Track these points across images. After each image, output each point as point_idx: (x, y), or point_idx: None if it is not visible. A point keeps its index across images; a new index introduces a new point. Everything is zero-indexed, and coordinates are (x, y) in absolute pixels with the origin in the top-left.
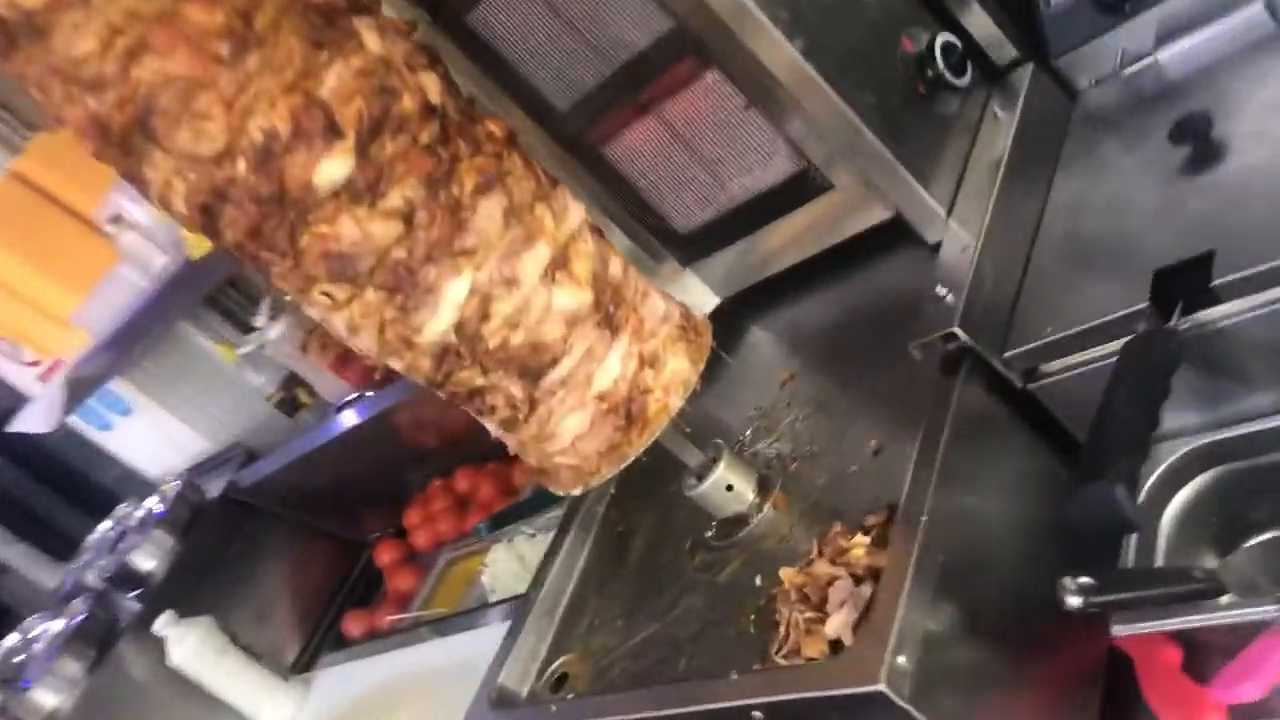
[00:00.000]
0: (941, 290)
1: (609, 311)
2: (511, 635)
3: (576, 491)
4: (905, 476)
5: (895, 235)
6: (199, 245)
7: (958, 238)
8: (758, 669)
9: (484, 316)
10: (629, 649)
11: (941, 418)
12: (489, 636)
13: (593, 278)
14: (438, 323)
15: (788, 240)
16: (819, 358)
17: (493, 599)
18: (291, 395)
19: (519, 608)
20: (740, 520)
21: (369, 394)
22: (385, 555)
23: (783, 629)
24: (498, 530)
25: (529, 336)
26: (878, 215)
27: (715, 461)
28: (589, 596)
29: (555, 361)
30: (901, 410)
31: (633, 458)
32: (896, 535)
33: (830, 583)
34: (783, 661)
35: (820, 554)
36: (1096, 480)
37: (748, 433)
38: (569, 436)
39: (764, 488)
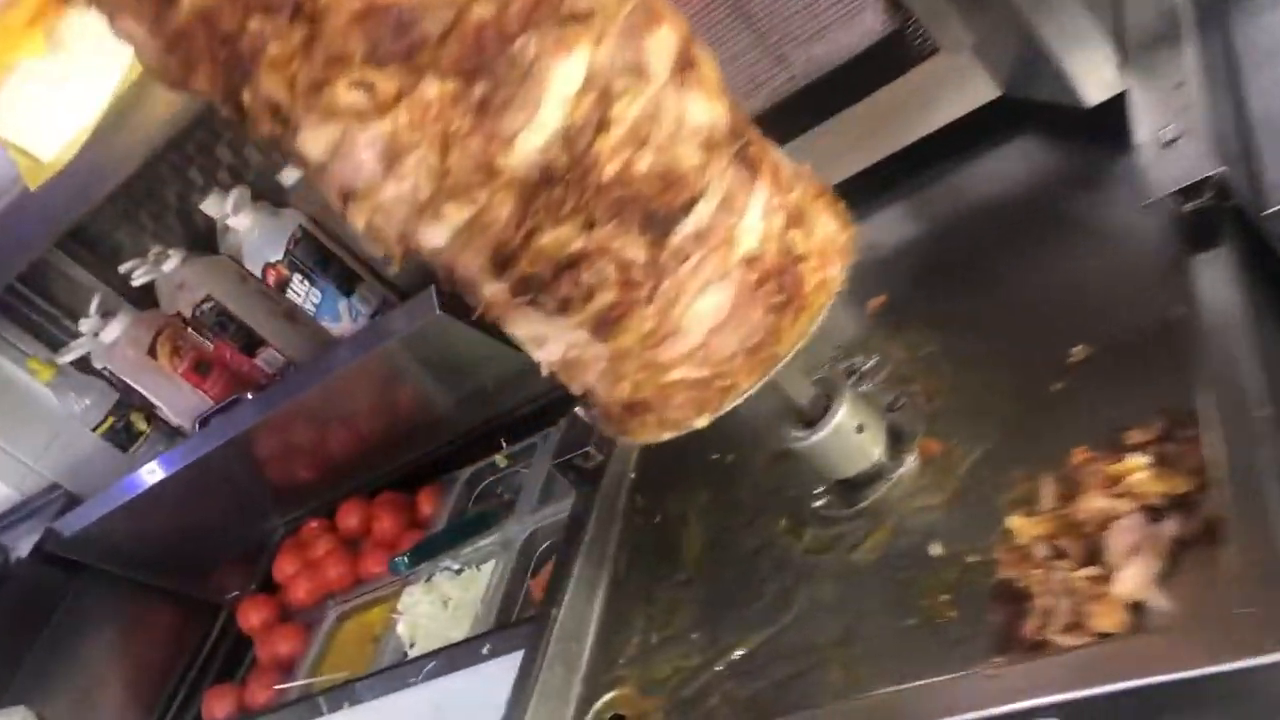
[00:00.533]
0: (1168, 129)
1: (744, 145)
2: (526, 674)
3: (701, 423)
4: (1163, 377)
5: (999, 119)
6: (35, 173)
7: (1158, 77)
8: (1002, 661)
9: (601, 125)
10: (728, 669)
11: (1227, 293)
12: (423, 698)
13: (723, 90)
14: (537, 130)
15: (861, 133)
16: (919, 273)
17: (413, 653)
18: (125, 422)
19: (533, 637)
20: (869, 479)
21: (220, 414)
22: (253, 615)
23: (1040, 599)
24: (413, 569)
25: (660, 162)
26: (984, 93)
27: (832, 400)
28: (631, 611)
29: (691, 204)
30: (1107, 308)
31: (782, 362)
32: (1217, 440)
33: (1104, 524)
34: (1064, 640)
35: (1062, 496)
36: None
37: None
38: (703, 327)
39: (896, 436)
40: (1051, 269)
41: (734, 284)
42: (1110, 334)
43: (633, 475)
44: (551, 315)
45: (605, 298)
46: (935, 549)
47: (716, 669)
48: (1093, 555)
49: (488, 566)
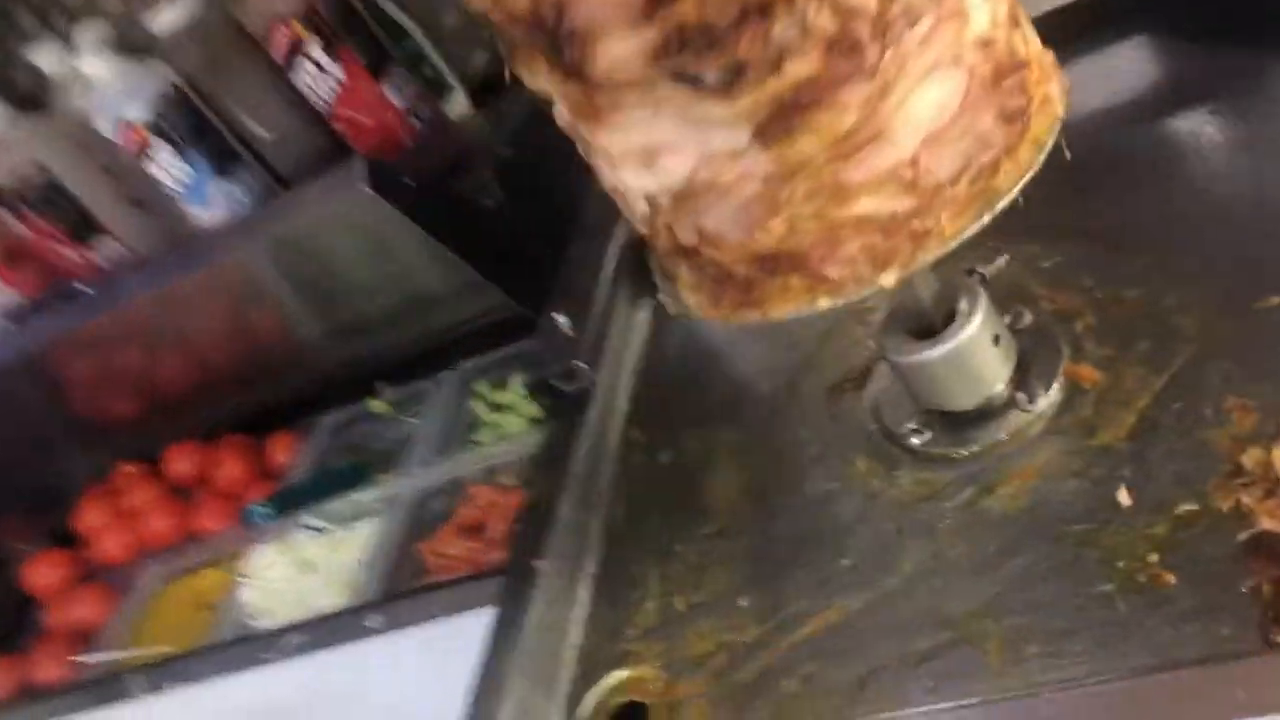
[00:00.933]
0: None
1: None
2: (502, 646)
3: (886, 282)
4: None
5: None
6: None
7: None
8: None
9: None
10: (807, 644)
11: None
12: (282, 679)
13: None
14: None
15: None
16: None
17: (262, 624)
18: None
19: (510, 598)
20: (992, 411)
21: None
22: (43, 573)
23: None
24: (275, 519)
25: None
26: None
27: (961, 302)
28: (641, 570)
29: None
30: None
31: (1002, 204)
32: None
33: None
34: None
35: None
36: None
37: None
38: (918, 132)
39: (1026, 360)
40: (1215, 176)
41: (966, 72)
42: None
43: (627, 407)
44: (704, 97)
45: (800, 68)
46: (1122, 497)
47: (786, 644)
48: None
49: (362, 527)
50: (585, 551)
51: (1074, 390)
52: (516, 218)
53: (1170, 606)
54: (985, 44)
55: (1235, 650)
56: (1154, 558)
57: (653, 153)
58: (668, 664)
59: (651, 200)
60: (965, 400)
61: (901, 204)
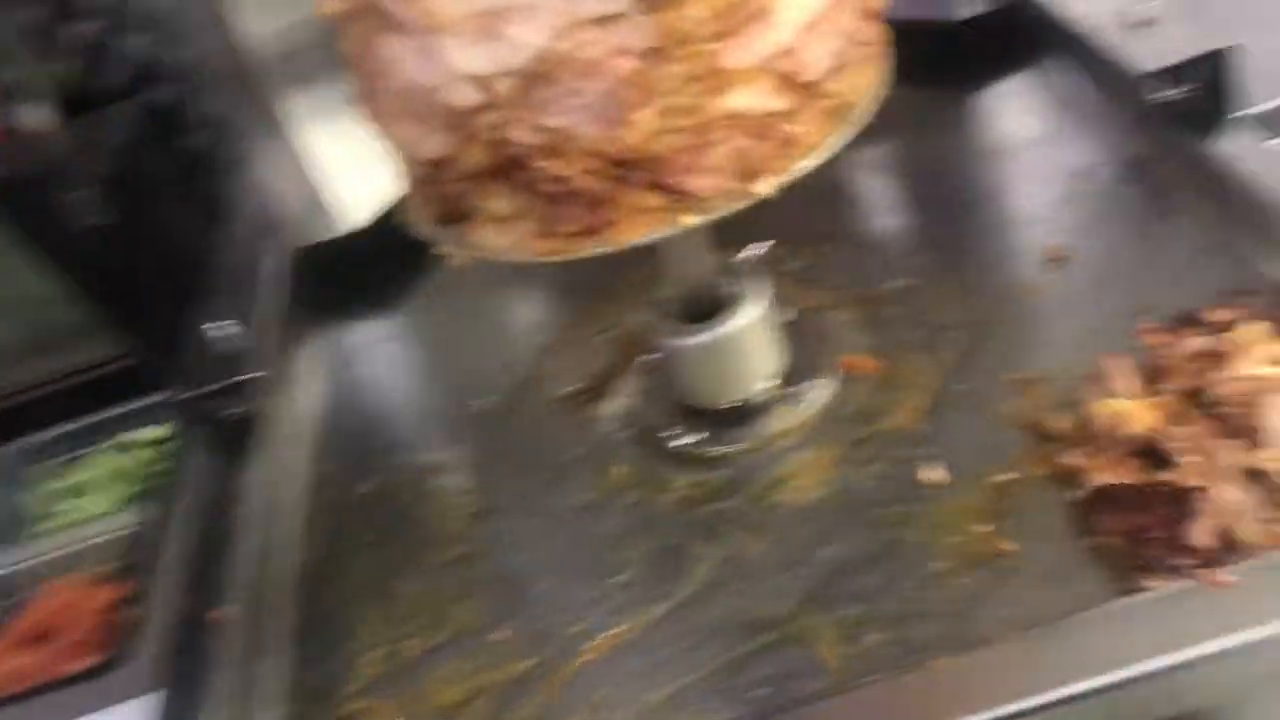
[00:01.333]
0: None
1: None
2: None
3: (761, 191)
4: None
5: None
6: None
7: None
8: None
9: None
10: (594, 667)
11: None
12: None
13: None
14: None
15: None
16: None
17: None
18: None
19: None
20: (763, 405)
21: None
22: None
23: (1215, 494)
24: None
25: None
26: None
27: (735, 285)
28: (355, 614)
29: None
30: (1076, 205)
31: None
32: None
33: (1246, 404)
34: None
35: (1149, 381)
36: None
37: None
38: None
39: (792, 357)
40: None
41: None
42: (1072, 233)
43: (312, 437)
44: None
45: None
46: (931, 474)
47: (568, 673)
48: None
49: None
50: (281, 602)
51: (851, 380)
52: (133, 242)
53: (1020, 574)
54: None
55: (1099, 600)
56: (983, 528)
57: (498, 16)
58: (410, 717)
59: (484, 85)
60: (736, 393)
61: (775, 102)
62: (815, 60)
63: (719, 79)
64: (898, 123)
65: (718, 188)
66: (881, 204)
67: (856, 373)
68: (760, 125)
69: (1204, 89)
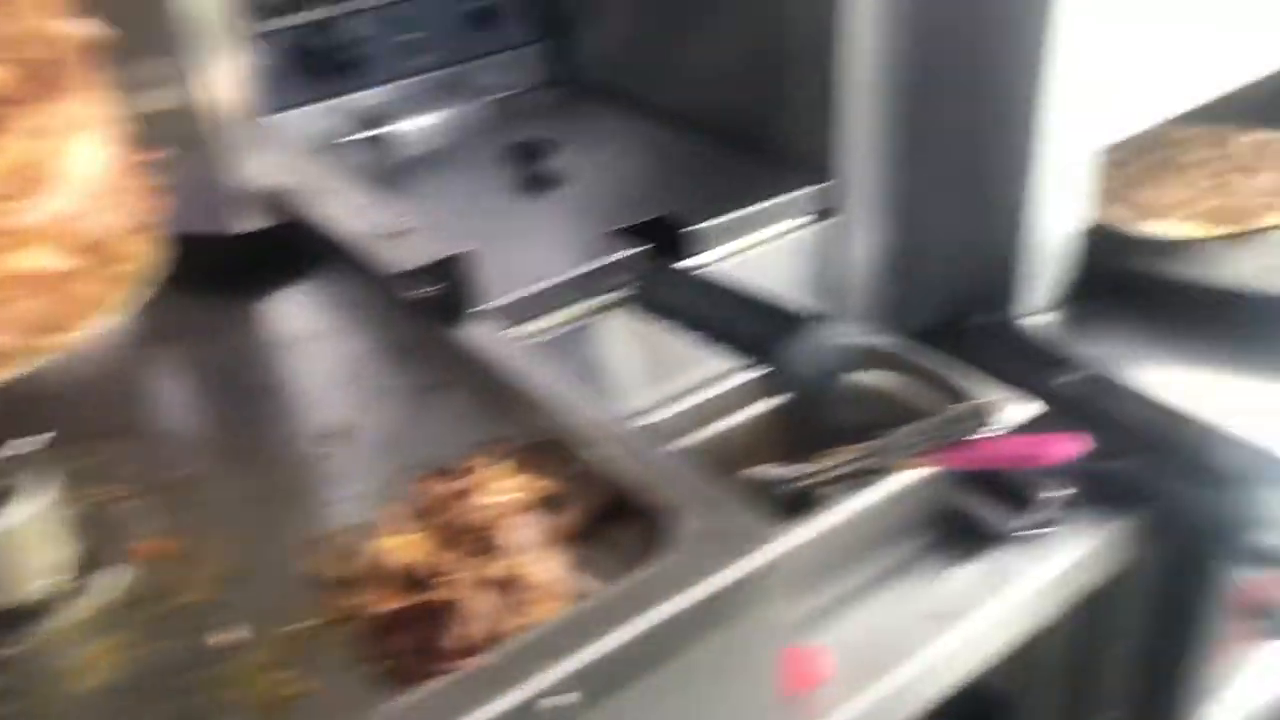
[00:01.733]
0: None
1: None
2: None
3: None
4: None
5: None
6: None
7: None
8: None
9: None
10: None
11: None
12: None
13: None
14: None
15: None
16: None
17: None
18: None
19: None
20: (48, 604)
21: None
22: None
23: (465, 603)
24: None
25: None
26: None
27: (15, 482)
28: None
29: None
30: (354, 387)
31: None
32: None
33: (487, 527)
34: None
35: (419, 517)
36: None
37: None
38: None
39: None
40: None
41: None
42: (358, 407)
43: None
44: None
45: None
46: (226, 637)
47: None
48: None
49: None
50: None
51: (147, 565)
52: None
53: (326, 706)
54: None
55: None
56: (290, 674)
57: None
58: None
59: None
60: (13, 594)
61: (64, 262)
62: (103, 225)
63: (10, 239)
64: (188, 327)
65: (18, 345)
66: (174, 401)
67: (152, 557)
68: (49, 285)
69: (450, 287)
